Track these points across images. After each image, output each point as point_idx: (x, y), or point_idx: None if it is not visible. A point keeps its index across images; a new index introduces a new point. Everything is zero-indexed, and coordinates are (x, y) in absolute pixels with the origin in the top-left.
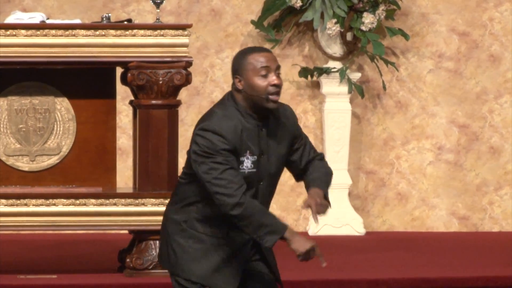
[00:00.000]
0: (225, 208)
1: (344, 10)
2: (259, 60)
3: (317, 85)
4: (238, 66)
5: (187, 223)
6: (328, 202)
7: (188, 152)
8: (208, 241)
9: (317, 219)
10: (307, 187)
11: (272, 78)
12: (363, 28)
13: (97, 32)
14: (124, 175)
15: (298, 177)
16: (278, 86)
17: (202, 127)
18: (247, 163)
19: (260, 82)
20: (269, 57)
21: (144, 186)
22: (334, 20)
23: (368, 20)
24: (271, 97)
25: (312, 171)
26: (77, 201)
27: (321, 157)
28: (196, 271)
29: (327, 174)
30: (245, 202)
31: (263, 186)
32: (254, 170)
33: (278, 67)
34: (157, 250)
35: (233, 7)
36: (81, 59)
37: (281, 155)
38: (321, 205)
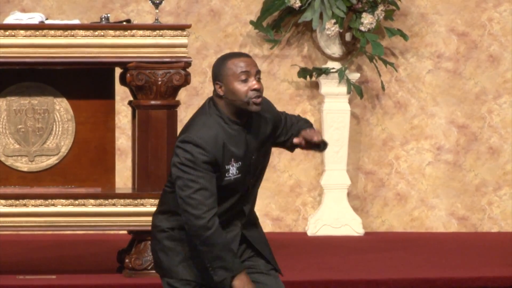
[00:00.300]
0: (190, 228)
1: (343, 11)
2: (238, 65)
3: (316, 86)
4: (218, 72)
5: (174, 231)
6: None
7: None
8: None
9: (317, 139)
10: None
11: (253, 83)
12: (362, 28)
13: (96, 33)
14: (123, 175)
15: (291, 149)
16: (259, 91)
17: (183, 138)
18: (233, 170)
19: (240, 87)
20: (248, 62)
21: (143, 187)
22: (333, 21)
23: (367, 20)
24: (253, 99)
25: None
26: (76, 202)
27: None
28: (190, 271)
29: (306, 121)
30: (211, 228)
31: (250, 185)
32: (240, 175)
33: (258, 72)
34: None
35: (232, 7)
36: (80, 60)
37: (267, 149)
38: (314, 132)
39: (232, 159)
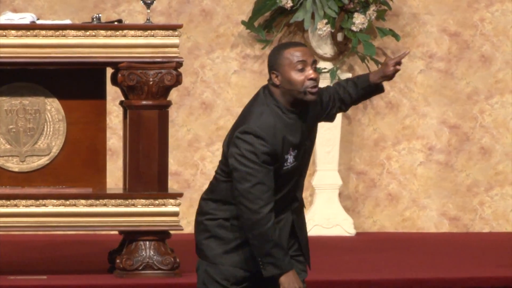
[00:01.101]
0: (244, 222)
1: (334, 11)
2: (295, 55)
3: None
4: (274, 61)
5: (225, 220)
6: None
7: (225, 149)
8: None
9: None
10: (367, 82)
11: (309, 72)
12: (354, 28)
13: (88, 33)
14: (115, 175)
15: (351, 103)
16: (315, 80)
17: (244, 129)
18: (290, 159)
19: (297, 76)
20: (305, 51)
21: (134, 187)
22: (325, 21)
23: (359, 20)
24: (309, 89)
25: (350, 86)
26: (67, 202)
27: (338, 84)
28: (239, 257)
29: (354, 78)
30: (267, 224)
31: (301, 170)
32: (295, 163)
33: (315, 61)
34: (147, 251)
35: (224, 7)
36: (71, 60)
37: (315, 132)
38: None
39: (290, 148)
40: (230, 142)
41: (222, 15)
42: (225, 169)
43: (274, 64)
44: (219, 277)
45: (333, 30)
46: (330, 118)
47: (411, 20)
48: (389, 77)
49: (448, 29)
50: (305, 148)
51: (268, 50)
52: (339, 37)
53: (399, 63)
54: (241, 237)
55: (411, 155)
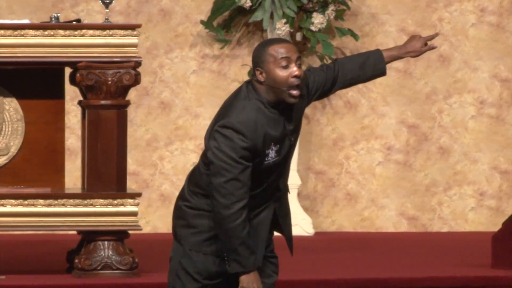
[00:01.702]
0: (215, 216)
1: (293, 10)
2: (279, 51)
3: None
4: (259, 58)
5: (204, 211)
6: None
7: (206, 142)
8: None
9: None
10: (381, 64)
11: (293, 69)
12: (313, 28)
13: (46, 32)
14: (73, 175)
15: (332, 91)
16: (299, 77)
17: (223, 123)
18: (272, 154)
19: (282, 73)
20: (289, 48)
21: (93, 187)
22: (284, 20)
23: (318, 20)
24: (292, 92)
25: (356, 62)
26: (26, 202)
27: (335, 61)
28: (219, 247)
29: (353, 58)
30: (236, 220)
31: (284, 162)
32: (277, 157)
33: (299, 58)
34: (106, 251)
35: (183, 7)
36: (30, 59)
37: (299, 125)
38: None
39: (272, 143)
40: (210, 135)
41: (181, 14)
42: (206, 162)
43: (258, 61)
44: (192, 270)
45: (292, 30)
46: (324, 96)
47: (370, 20)
48: (418, 54)
49: (407, 29)
50: (289, 142)
51: (227, 50)
52: (298, 37)
53: (426, 45)
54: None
55: (369, 155)
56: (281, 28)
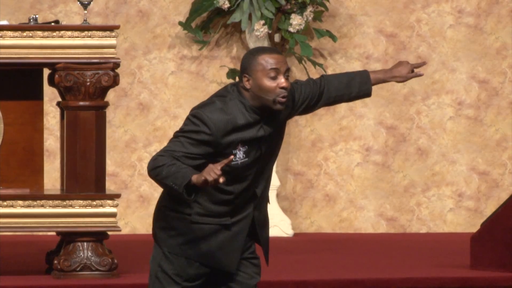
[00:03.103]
0: (148, 173)
1: (272, 12)
2: (269, 62)
3: None
4: (248, 65)
5: (190, 216)
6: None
7: None
8: (208, 227)
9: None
10: (367, 85)
11: (281, 81)
12: (291, 29)
13: (25, 34)
14: (52, 176)
15: (317, 107)
16: (286, 89)
17: (195, 113)
18: (239, 154)
19: (269, 83)
20: (279, 59)
21: (71, 188)
22: (262, 22)
23: (296, 21)
24: (279, 99)
25: (344, 82)
26: (5, 203)
27: (322, 77)
28: (196, 251)
29: (339, 76)
30: (157, 167)
31: (259, 170)
32: (246, 159)
33: (288, 70)
34: (85, 252)
35: (161, 8)
36: (8, 60)
37: (281, 134)
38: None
39: (239, 144)
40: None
41: (159, 15)
42: None
43: (247, 68)
44: (172, 272)
45: (270, 31)
46: (308, 111)
47: (348, 21)
48: (404, 79)
49: (385, 30)
50: (262, 147)
51: (205, 51)
52: (276, 38)
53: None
54: (200, 230)
55: (348, 156)
56: (260, 30)
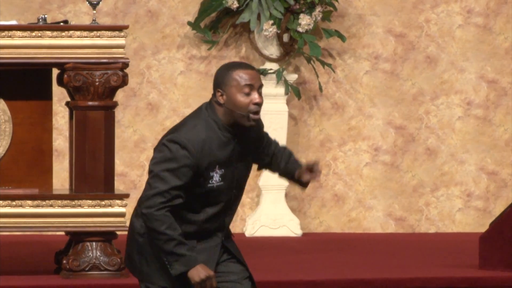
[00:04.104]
0: (146, 226)
1: (280, 12)
2: (243, 77)
3: None
4: (222, 80)
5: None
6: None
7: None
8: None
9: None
10: (289, 174)
11: (255, 97)
12: (300, 29)
13: (34, 33)
14: (61, 176)
15: (264, 167)
16: (260, 105)
17: (171, 138)
18: (216, 177)
19: (243, 99)
20: (253, 75)
21: (80, 188)
22: (271, 22)
23: (305, 21)
24: (252, 116)
25: (280, 160)
26: (13, 203)
27: (280, 147)
28: (168, 277)
29: (291, 155)
30: (163, 225)
31: (231, 195)
32: (222, 183)
33: (261, 86)
34: (94, 251)
35: (170, 8)
36: (17, 60)
37: (249, 161)
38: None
39: (217, 166)
40: (157, 147)
41: (168, 15)
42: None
43: (221, 83)
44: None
45: (279, 31)
46: (258, 161)
47: (357, 21)
48: (303, 184)
49: (394, 30)
50: (234, 171)
51: (214, 51)
52: (285, 38)
53: (312, 171)
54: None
55: (357, 156)
56: (268, 30)
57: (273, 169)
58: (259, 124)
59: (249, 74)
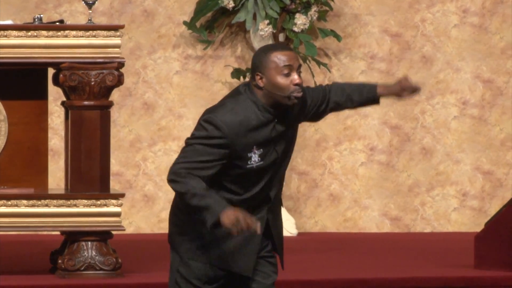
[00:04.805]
0: (179, 196)
1: (276, 11)
2: (281, 59)
3: None
4: (260, 63)
5: (193, 224)
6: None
7: None
8: (221, 231)
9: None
10: (374, 94)
11: (295, 77)
12: (296, 29)
13: (29, 33)
14: (56, 176)
15: (348, 107)
16: (300, 85)
17: (207, 118)
18: (255, 157)
19: (283, 81)
20: (291, 55)
21: (76, 187)
22: (267, 21)
23: (301, 21)
24: (294, 94)
25: (354, 92)
26: (9, 202)
27: (331, 84)
28: (211, 254)
29: (347, 85)
30: (190, 190)
31: (273, 174)
32: (262, 162)
33: (300, 66)
34: (89, 251)
35: (166, 8)
36: (13, 60)
37: (293, 137)
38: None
39: (255, 146)
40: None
41: (164, 15)
42: None
43: (259, 66)
44: (191, 276)
45: (274, 31)
46: (317, 118)
47: (353, 20)
48: (400, 97)
49: (390, 29)
50: (277, 148)
51: (210, 51)
52: (281, 37)
53: (415, 90)
54: (214, 233)
55: (352, 156)
56: (264, 29)
57: (346, 106)
58: (303, 100)
59: (287, 55)
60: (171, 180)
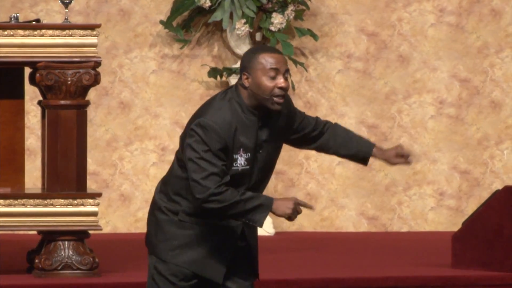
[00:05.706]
0: (203, 205)
1: (253, 10)
2: (269, 61)
3: (226, 85)
4: (248, 63)
5: (178, 215)
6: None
7: (182, 142)
8: (197, 229)
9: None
10: (367, 154)
11: (280, 81)
12: (272, 28)
13: (5, 32)
14: (33, 175)
15: (312, 146)
16: (285, 89)
17: (198, 122)
18: (241, 160)
19: (268, 83)
20: (279, 59)
21: (52, 187)
22: (243, 21)
23: (277, 20)
24: (276, 99)
25: (335, 139)
26: None
27: (327, 124)
28: (184, 257)
29: (347, 131)
30: (222, 192)
31: (257, 179)
32: (247, 167)
33: (287, 71)
34: (66, 251)
35: (142, 7)
36: None
37: (278, 145)
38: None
39: (241, 149)
40: (186, 134)
41: (140, 14)
42: (179, 163)
43: (247, 66)
44: (167, 273)
45: (251, 30)
46: (298, 144)
47: (329, 20)
48: (391, 164)
49: (366, 29)
50: (259, 155)
51: (186, 50)
52: (258, 37)
53: (407, 160)
54: (189, 235)
55: (329, 155)
56: (241, 28)
57: (326, 148)
58: (287, 107)
59: (275, 58)
60: (210, 203)
